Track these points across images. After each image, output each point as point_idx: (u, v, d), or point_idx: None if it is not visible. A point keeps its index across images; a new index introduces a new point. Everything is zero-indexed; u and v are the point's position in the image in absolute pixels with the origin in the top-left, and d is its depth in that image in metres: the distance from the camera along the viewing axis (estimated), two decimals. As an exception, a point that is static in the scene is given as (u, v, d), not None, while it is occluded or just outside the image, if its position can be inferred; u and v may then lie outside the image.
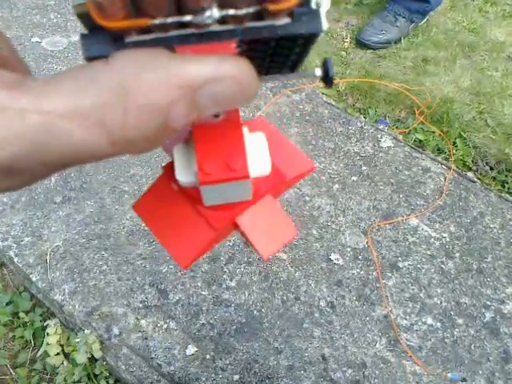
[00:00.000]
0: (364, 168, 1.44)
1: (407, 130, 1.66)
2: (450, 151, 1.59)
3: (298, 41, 0.19)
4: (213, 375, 1.07)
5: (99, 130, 0.15)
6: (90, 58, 0.17)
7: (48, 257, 1.20)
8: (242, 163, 0.22)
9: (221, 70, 0.17)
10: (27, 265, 1.19)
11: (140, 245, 1.24)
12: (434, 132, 1.66)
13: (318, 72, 0.23)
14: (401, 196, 1.38)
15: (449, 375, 1.06)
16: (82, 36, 0.17)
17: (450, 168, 1.46)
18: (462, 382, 1.05)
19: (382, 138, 1.52)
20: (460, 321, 1.16)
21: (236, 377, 1.07)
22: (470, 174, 1.51)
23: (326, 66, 0.23)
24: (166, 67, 0.16)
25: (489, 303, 1.18)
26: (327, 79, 0.23)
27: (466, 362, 1.10)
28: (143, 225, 1.27)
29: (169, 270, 1.19)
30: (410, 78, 1.84)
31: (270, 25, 0.18)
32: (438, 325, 1.15)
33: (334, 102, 1.63)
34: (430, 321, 1.15)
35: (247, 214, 0.26)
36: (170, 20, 0.17)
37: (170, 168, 0.26)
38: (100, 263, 1.20)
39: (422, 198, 1.37)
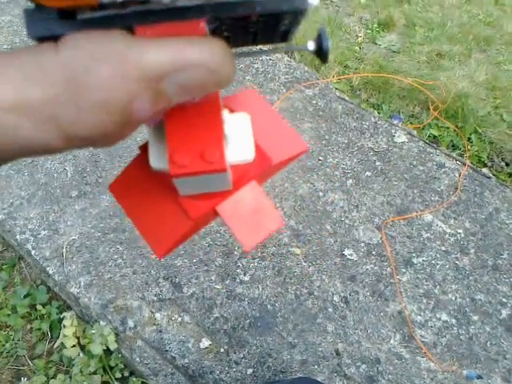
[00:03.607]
0: (378, 163, 1.43)
1: (421, 126, 1.65)
2: (464, 147, 1.58)
3: (284, 16, 0.16)
4: (226, 368, 1.07)
5: (50, 125, 0.14)
6: (37, 38, 0.15)
7: (64, 250, 1.21)
8: (219, 154, 0.19)
9: (186, 56, 0.14)
10: (44, 258, 1.20)
11: (154, 239, 1.24)
12: (448, 127, 1.64)
13: (311, 46, 0.20)
14: (415, 191, 1.37)
15: (464, 372, 1.06)
16: (27, 12, 0.14)
17: (464, 164, 1.44)
18: (477, 379, 1.04)
19: (395, 133, 1.51)
20: (475, 317, 1.15)
21: (250, 370, 1.07)
22: (485, 170, 1.50)
23: (319, 39, 0.19)
24: (122, 56, 0.14)
25: (505, 300, 1.17)
26: (321, 53, 0.20)
27: (481, 360, 1.09)
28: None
29: (183, 263, 1.20)
30: (424, 72, 1.82)
31: (246, 0, 0.15)
32: (453, 321, 1.14)
33: (347, 98, 1.62)
34: (444, 317, 1.15)
35: (228, 203, 0.23)
36: None
37: (146, 149, 0.22)
38: (115, 257, 1.21)
39: (436, 194, 1.37)
